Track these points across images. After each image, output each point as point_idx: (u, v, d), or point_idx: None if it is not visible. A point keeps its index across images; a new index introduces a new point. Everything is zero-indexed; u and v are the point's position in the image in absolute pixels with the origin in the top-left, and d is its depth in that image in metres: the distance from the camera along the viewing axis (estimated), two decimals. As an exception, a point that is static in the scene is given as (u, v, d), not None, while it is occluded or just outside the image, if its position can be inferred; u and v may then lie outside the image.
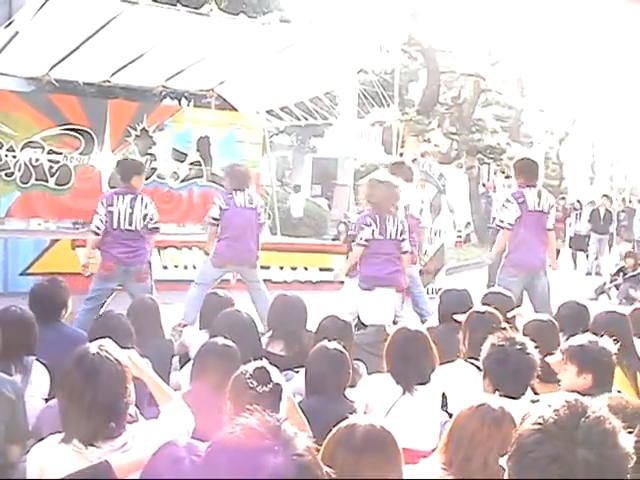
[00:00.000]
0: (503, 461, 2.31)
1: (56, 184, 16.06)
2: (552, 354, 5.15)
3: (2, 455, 4.50)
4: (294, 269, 16.53)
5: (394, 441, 3.20)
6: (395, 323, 7.94)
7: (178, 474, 3.00)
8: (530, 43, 29.85)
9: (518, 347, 4.63)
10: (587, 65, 40.03)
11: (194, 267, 15.78)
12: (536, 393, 4.76)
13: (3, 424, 4.49)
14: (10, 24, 14.18)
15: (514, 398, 4.30)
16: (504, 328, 5.51)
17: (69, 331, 6.40)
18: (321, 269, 16.97)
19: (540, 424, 2.18)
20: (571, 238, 25.90)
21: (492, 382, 4.61)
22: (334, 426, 3.26)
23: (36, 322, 6.07)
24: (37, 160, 15.66)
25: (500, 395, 4.19)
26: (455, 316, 6.33)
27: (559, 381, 5.50)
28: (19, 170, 15.65)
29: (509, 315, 6.48)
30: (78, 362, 3.52)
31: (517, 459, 2.22)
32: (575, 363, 4.93)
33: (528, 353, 4.64)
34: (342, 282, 17.12)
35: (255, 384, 3.85)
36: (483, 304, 6.67)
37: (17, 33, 13.34)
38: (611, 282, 17.79)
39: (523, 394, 4.53)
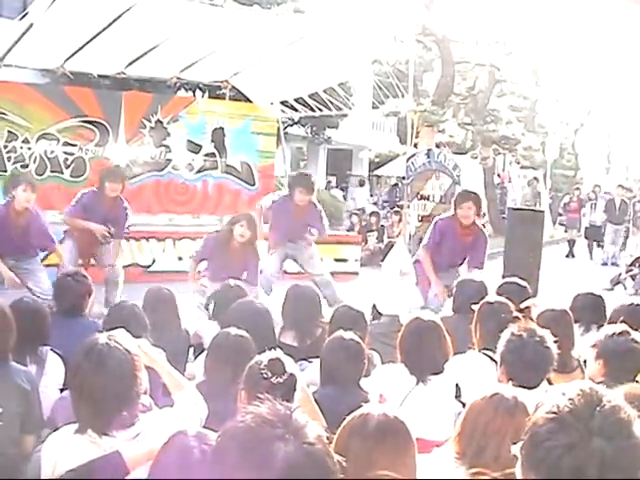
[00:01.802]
0: (516, 449, 2.29)
1: (71, 176, 16.06)
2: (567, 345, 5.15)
3: (17, 445, 4.52)
4: (308, 260, 16.53)
5: (407, 431, 3.20)
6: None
7: (188, 463, 3.01)
8: (545, 33, 29.72)
9: (536, 339, 4.61)
10: (602, 55, 39.89)
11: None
12: (551, 384, 4.74)
13: (18, 414, 4.50)
14: (24, 16, 14.20)
15: (528, 388, 4.29)
16: (517, 317, 5.50)
17: (88, 322, 6.41)
18: (336, 260, 16.98)
19: (555, 413, 2.17)
20: (587, 228, 25.85)
21: (507, 372, 4.60)
22: (348, 416, 3.26)
23: (60, 315, 6.11)
24: (52, 152, 15.65)
25: (514, 385, 4.17)
26: (473, 306, 6.32)
27: (574, 370, 5.51)
28: (34, 162, 15.66)
29: (523, 305, 6.47)
30: (87, 353, 3.53)
31: (531, 448, 2.21)
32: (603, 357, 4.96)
33: (546, 346, 4.62)
34: (356, 273, 17.23)
35: (270, 375, 3.85)
36: (498, 294, 6.66)
37: (31, 25, 13.35)
38: (627, 272, 17.73)
39: (538, 385, 4.52)
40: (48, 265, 11.40)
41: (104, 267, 11.23)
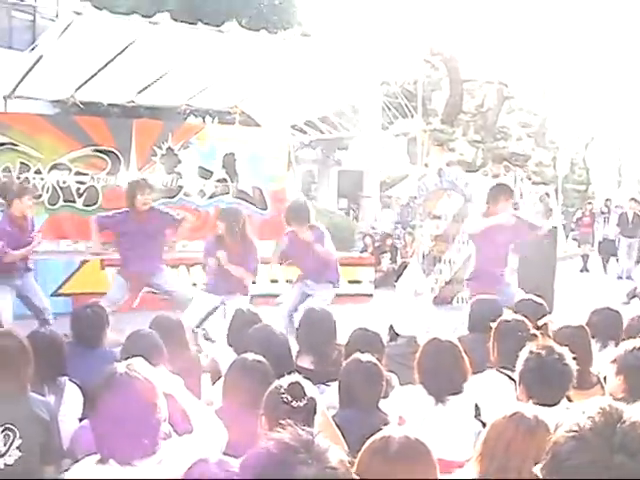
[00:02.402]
0: (537, 469, 2.29)
1: (84, 205, 16.11)
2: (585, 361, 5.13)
3: (37, 476, 4.52)
4: (322, 283, 16.50)
5: (429, 452, 3.19)
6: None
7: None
8: (553, 48, 29.76)
9: (555, 357, 4.61)
10: (611, 68, 39.90)
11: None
12: (570, 401, 4.72)
13: (38, 445, 4.51)
14: (34, 48, 14.30)
15: (549, 406, 4.27)
16: (534, 335, 5.49)
17: (105, 352, 6.40)
18: (349, 282, 16.95)
19: (575, 431, 2.16)
20: (600, 243, 25.79)
21: (526, 390, 4.59)
22: (368, 438, 3.25)
23: (77, 346, 6.12)
24: (64, 182, 15.70)
25: (534, 403, 4.16)
26: (492, 324, 6.31)
27: (593, 387, 5.49)
28: (47, 192, 15.71)
29: (540, 323, 6.45)
30: (107, 382, 3.52)
31: (553, 467, 2.20)
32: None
33: (565, 364, 4.61)
34: (370, 294, 17.20)
35: (290, 399, 3.85)
36: (514, 312, 6.64)
37: (41, 57, 13.45)
38: (643, 286, 17.65)
39: (558, 403, 4.50)
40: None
41: (164, 295, 11.13)
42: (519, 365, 4.69)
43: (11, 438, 4.38)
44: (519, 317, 6.11)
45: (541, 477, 2.25)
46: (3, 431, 4.37)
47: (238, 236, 10.13)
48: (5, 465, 4.35)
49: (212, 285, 10.48)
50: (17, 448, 4.38)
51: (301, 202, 11.22)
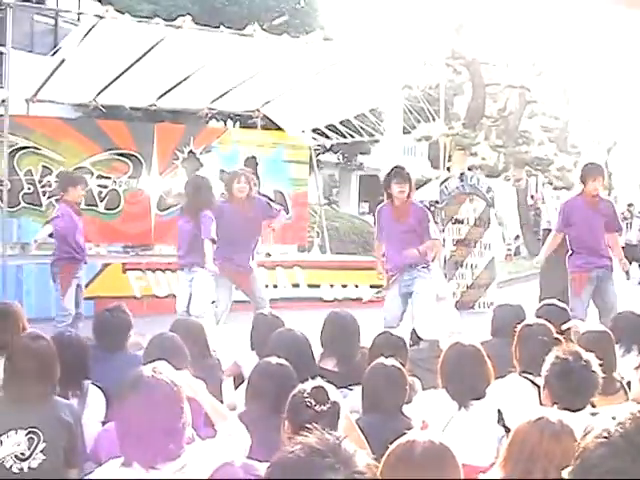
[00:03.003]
0: (565, 474, 2.26)
1: (106, 208, 16.19)
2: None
3: (62, 476, 4.52)
4: (344, 286, 16.51)
5: (454, 457, 3.17)
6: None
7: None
8: (575, 52, 29.64)
9: (582, 363, 4.58)
10: (633, 73, 39.71)
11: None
12: (593, 406, 4.69)
13: (62, 448, 4.51)
14: (56, 52, 14.37)
15: (573, 412, 4.25)
16: (557, 339, 5.47)
17: (128, 356, 6.39)
18: (372, 286, 16.93)
19: (606, 437, 2.14)
20: (622, 248, 25.66)
21: (551, 395, 4.57)
22: (392, 443, 3.24)
23: (100, 350, 6.11)
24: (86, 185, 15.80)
25: (559, 408, 4.14)
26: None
27: (617, 392, 5.45)
28: (69, 196, 15.79)
29: (564, 327, 6.42)
30: (133, 385, 3.50)
31: (582, 473, 2.17)
32: None
33: (592, 371, 4.59)
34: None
35: (313, 403, 3.83)
36: (537, 316, 6.61)
37: (63, 60, 13.50)
38: (665, 291, 17.61)
39: (582, 409, 4.48)
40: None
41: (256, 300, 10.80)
42: (545, 370, 4.67)
43: (35, 441, 4.39)
44: (542, 321, 6.07)
45: (569, 483, 2.23)
46: (27, 434, 4.38)
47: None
48: (29, 469, 4.35)
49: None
50: (41, 452, 4.39)
51: None
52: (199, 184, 10.62)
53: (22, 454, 4.36)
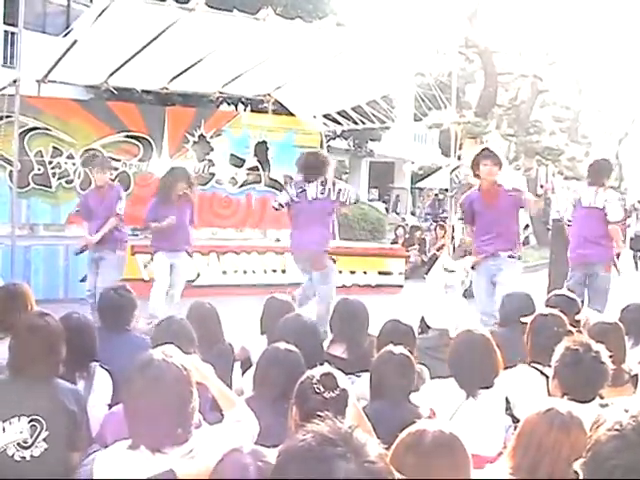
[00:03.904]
0: (577, 466, 2.25)
1: (115, 191, 16.20)
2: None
3: (64, 463, 4.51)
4: (353, 273, 16.51)
5: (463, 447, 3.16)
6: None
7: (245, 481, 2.98)
8: (588, 43, 29.55)
9: (593, 354, 4.56)
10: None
11: (253, 272, 15.83)
12: (602, 397, 4.68)
13: (65, 436, 4.48)
14: (68, 33, 14.34)
15: (582, 403, 4.23)
16: (570, 331, 5.45)
17: (134, 338, 6.38)
18: (380, 272, 16.93)
19: (618, 430, 2.12)
20: (632, 239, 25.64)
21: (561, 386, 4.55)
22: (399, 431, 3.22)
23: (105, 330, 6.10)
24: (96, 167, 15.79)
25: (568, 399, 4.12)
26: (522, 318, 6.26)
27: (625, 384, 5.43)
28: (79, 177, 15.78)
29: (577, 318, 6.40)
30: (143, 368, 3.48)
31: (594, 465, 2.16)
32: None
33: (602, 362, 4.57)
34: (401, 285, 17.16)
35: (322, 390, 3.82)
36: (547, 306, 6.59)
37: (75, 42, 13.46)
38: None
39: (592, 400, 4.46)
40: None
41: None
42: (555, 360, 4.65)
43: (38, 429, 4.36)
44: (555, 312, 6.04)
45: (581, 475, 2.21)
46: (30, 422, 4.36)
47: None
48: (32, 457, 4.34)
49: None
50: (44, 440, 4.37)
51: None
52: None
53: (25, 442, 4.34)
